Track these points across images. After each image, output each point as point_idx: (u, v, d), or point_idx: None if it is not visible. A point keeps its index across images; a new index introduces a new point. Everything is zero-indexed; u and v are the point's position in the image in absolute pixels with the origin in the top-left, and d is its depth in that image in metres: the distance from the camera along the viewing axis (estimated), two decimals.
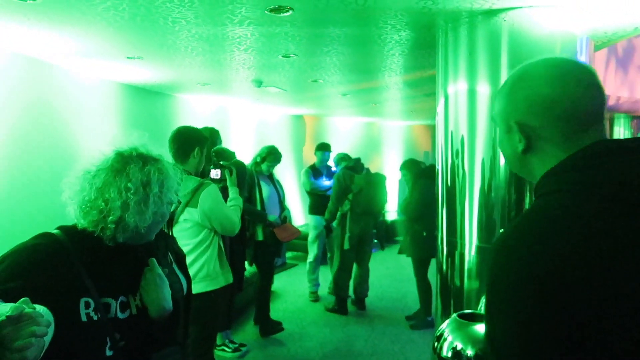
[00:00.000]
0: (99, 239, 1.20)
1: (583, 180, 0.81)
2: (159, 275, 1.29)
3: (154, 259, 1.30)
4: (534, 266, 0.76)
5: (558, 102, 0.86)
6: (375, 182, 4.85)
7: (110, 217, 1.17)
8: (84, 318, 1.14)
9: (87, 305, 1.15)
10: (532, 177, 0.93)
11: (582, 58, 2.53)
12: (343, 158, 5.07)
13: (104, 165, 1.21)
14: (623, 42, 5.16)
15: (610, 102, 5.98)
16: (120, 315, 1.21)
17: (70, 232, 1.21)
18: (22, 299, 0.88)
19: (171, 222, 1.58)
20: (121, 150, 1.25)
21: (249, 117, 7.11)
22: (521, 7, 2.39)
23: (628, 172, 0.78)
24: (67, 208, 1.22)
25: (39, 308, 0.91)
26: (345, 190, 4.71)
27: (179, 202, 1.39)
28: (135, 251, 1.28)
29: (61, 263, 1.15)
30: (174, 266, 1.48)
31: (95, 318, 1.15)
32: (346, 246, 4.75)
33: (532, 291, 0.75)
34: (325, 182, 5.36)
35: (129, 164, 1.21)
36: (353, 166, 4.84)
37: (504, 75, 2.48)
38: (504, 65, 2.47)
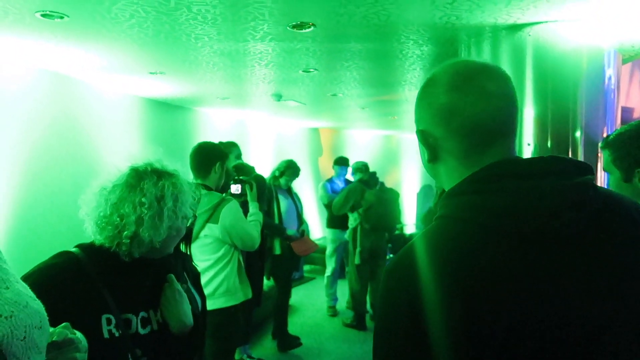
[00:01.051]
0: (116, 255, 1.21)
1: (471, 208, 0.75)
2: (178, 290, 1.29)
3: (172, 275, 1.30)
4: (408, 303, 0.71)
5: (456, 113, 0.78)
6: (386, 198, 4.81)
7: (126, 232, 1.18)
8: (106, 335, 1.14)
9: (109, 322, 1.15)
10: (444, 186, 0.87)
11: (610, 71, 2.48)
12: (359, 169, 5.00)
13: (119, 181, 1.23)
14: None
15: (636, 114, 5.86)
16: (141, 331, 1.21)
17: (88, 249, 1.23)
18: (63, 324, 0.89)
19: (189, 239, 1.59)
20: (136, 166, 1.26)
21: (268, 130, 7.15)
22: (546, 22, 2.36)
23: (514, 200, 0.71)
24: (85, 225, 1.24)
25: (77, 333, 0.92)
26: (355, 204, 4.69)
27: (195, 217, 1.38)
28: (153, 266, 1.28)
29: (80, 280, 1.16)
30: (189, 285, 1.48)
31: (117, 334, 1.15)
32: (357, 261, 4.72)
33: (405, 331, 0.71)
34: None
35: (143, 179, 1.22)
36: (367, 180, 4.82)
37: (528, 91, 2.45)
38: (528, 81, 2.44)
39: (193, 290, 1.49)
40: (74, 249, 1.23)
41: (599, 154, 2.50)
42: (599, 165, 2.51)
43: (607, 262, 0.72)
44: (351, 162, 5.52)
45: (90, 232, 1.24)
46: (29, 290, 0.79)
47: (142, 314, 1.23)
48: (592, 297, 0.69)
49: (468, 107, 0.77)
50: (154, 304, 1.27)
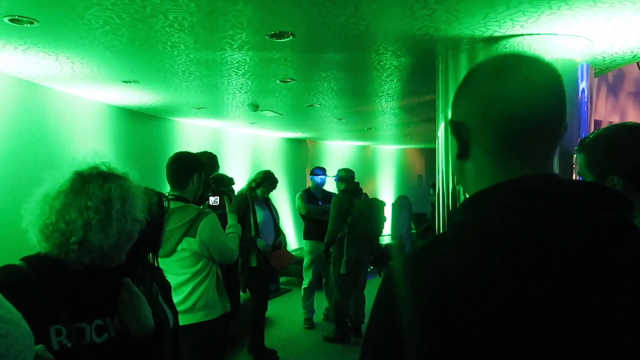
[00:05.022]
0: (64, 264, 1.16)
1: (493, 221, 0.69)
2: (136, 293, 1.25)
3: (129, 279, 1.26)
4: (398, 308, 0.68)
5: (495, 101, 0.72)
6: (374, 207, 4.82)
7: (73, 238, 1.14)
8: (55, 346, 1.09)
9: (59, 333, 1.10)
10: (467, 190, 0.80)
11: (583, 84, 2.54)
12: (345, 179, 4.92)
13: (64, 187, 1.19)
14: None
15: (603, 127, 6.05)
16: (96, 339, 1.16)
17: (32, 260, 1.18)
18: (40, 345, 0.86)
19: (156, 250, 1.55)
20: (80, 170, 1.23)
21: (244, 141, 7.09)
22: (522, 35, 2.40)
23: (545, 225, 0.65)
24: (29, 234, 1.19)
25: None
26: (345, 213, 4.65)
27: (149, 222, 1.33)
28: (107, 275, 1.24)
29: (23, 293, 1.10)
30: (159, 298, 1.43)
31: (68, 345, 1.10)
32: (342, 270, 4.66)
33: (387, 334, 0.69)
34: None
35: (88, 183, 1.19)
36: (352, 190, 4.80)
37: None
38: None
39: (164, 305, 1.45)
40: (17, 262, 1.18)
41: (574, 165, 2.55)
42: (574, 176, 2.56)
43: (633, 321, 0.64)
44: (327, 173, 5.51)
45: (35, 242, 1.19)
46: (14, 307, 0.76)
47: (97, 321, 1.18)
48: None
49: (510, 96, 0.71)
50: (111, 311, 1.23)
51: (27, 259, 1.19)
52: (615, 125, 1.41)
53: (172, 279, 2.22)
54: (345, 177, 4.91)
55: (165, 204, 1.54)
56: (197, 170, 2.48)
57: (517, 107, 0.71)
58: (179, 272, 2.39)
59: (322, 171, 5.47)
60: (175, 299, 2.05)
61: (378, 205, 4.92)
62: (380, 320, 0.71)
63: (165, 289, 1.53)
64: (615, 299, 0.64)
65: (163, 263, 2.34)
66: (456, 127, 0.78)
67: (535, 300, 0.63)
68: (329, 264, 4.89)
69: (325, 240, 4.80)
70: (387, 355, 0.69)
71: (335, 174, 5.13)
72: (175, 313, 1.52)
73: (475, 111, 0.75)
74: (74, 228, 1.14)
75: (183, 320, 2.28)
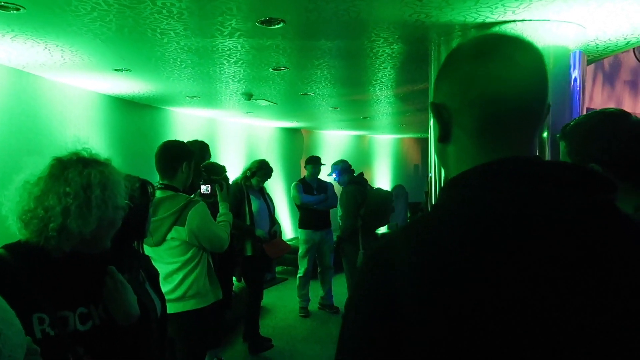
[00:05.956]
0: (45, 251, 1.15)
1: (473, 203, 0.68)
2: (120, 281, 1.24)
3: (113, 267, 1.25)
4: (377, 294, 0.66)
5: (476, 81, 0.70)
6: (385, 196, 4.84)
7: (52, 225, 1.13)
8: (38, 335, 1.09)
9: (41, 321, 1.10)
10: (449, 173, 0.78)
11: (576, 72, 2.52)
12: (347, 170, 4.90)
13: (43, 173, 1.18)
14: (609, 57, 5.24)
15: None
16: (80, 327, 1.16)
17: (13, 248, 1.17)
18: (26, 337, 0.86)
19: (141, 237, 1.54)
20: (60, 156, 1.22)
21: (239, 130, 7.06)
22: (514, 21, 2.38)
23: (526, 208, 0.65)
24: (8, 221, 1.18)
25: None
26: (359, 206, 4.62)
27: (133, 209, 1.31)
28: (90, 262, 1.23)
29: (4, 281, 1.09)
30: (147, 286, 1.43)
31: (52, 334, 1.10)
32: (359, 263, 4.63)
33: (373, 322, 0.67)
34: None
35: (67, 169, 1.18)
36: (360, 181, 4.79)
37: None
38: None
39: (151, 292, 1.44)
40: None
41: None
42: None
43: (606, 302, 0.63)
44: (323, 162, 5.49)
45: (15, 229, 1.18)
46: (8, 306, 0.75)
47: (80, 309, 1.18)
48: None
49: (490, 76, 0.70)
50: (95, 299, 1.22)
51: (8, 247, 1.18)
52: (594, 112, 1.39)
53: (163, 267, 2.22)
54: (347, 168, 4.89)
55: (150, 189, 1.53)
56: (186, 159, 2.46)
57: (498, 87, 0.70)
58: (170, 260, 2.39)
59: (318, 161, 5.45)
60: (166, 287, 2.04)
61: (387, 194, 4.93)
62: (362, 302, 0.70)
63: (153, 276, 1.53)
64: (593, 280, 0.63)
65: (153, 252, 2.35)
66: (437, 110, 0.76)
67: (510, 279, 0.63)
68: (323, 255, 4.86)
69: (340, 235, 4.75)
70: (370, 337, 0.67)
71: (329, 169, 5.09)
72: (163, 300, 1.52)
73: (456, 92, 0.73)
74: (53, 215, 1.13)
75: (174, 308, 2.28)
